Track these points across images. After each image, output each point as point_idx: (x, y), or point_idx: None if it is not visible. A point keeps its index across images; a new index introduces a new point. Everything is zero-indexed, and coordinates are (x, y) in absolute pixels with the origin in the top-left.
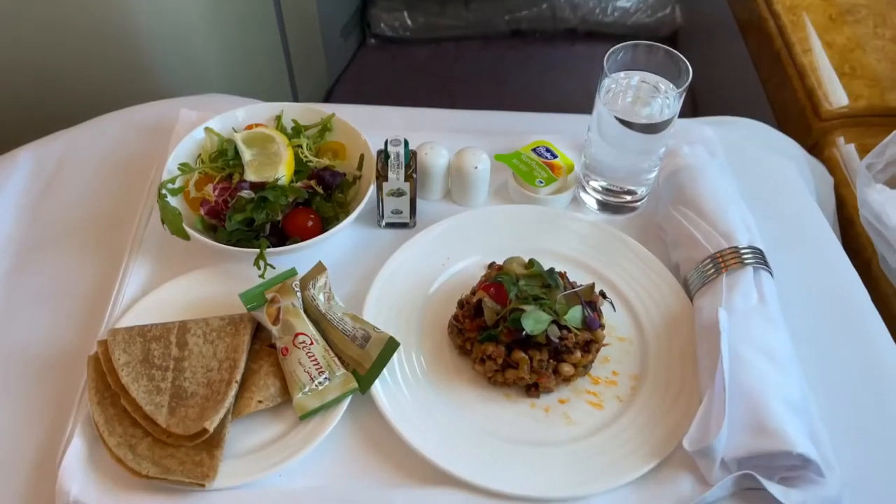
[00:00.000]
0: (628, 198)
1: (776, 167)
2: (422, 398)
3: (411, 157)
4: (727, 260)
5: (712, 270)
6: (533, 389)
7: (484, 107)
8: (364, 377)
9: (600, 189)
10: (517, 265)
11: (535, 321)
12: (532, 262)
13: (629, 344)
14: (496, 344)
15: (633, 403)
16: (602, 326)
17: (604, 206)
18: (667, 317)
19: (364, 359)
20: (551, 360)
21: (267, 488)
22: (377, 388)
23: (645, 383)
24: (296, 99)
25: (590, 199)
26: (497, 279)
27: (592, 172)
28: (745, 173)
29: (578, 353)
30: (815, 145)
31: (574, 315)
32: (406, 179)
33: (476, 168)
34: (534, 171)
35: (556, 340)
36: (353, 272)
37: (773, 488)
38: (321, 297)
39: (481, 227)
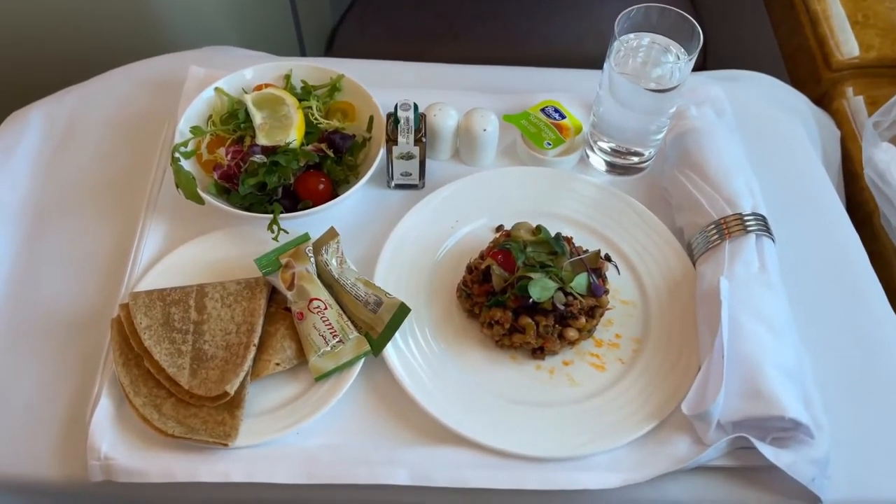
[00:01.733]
0: (635, 159)
1: (784, 126)
2: (432, 361)
3: (421, 120)
4: (731, 227)
5: (716, 236)
6: (538, 352)
7: (491, 49)
8: (376, 340)
9: (608, 150)
10: (525, 231)
11: (541, 288)
12: (539, 229)
13: (632, 307)
14: (503, 309)
15: (635, 366)
16: (606, 292)
17: (611, 167)
18: (669, 281)
19: (376, 323)
20: (556, 326)
21: (285, 446)
22: (389, 350)
23: (646, 346)
24: (299, 38)
25: (597, 161)
26: (505, 246)
27: (601, 132)
28: (753, 133)
29: (583, 319)
30: (825, 96)
31: (579, 282)
32: (416, 143)
33: (485, 130)
34: (542, 132)
35: (562, 307)
36: (364, 234)
37: (765, 449)
38: (334, 261)
39: (489, 190)
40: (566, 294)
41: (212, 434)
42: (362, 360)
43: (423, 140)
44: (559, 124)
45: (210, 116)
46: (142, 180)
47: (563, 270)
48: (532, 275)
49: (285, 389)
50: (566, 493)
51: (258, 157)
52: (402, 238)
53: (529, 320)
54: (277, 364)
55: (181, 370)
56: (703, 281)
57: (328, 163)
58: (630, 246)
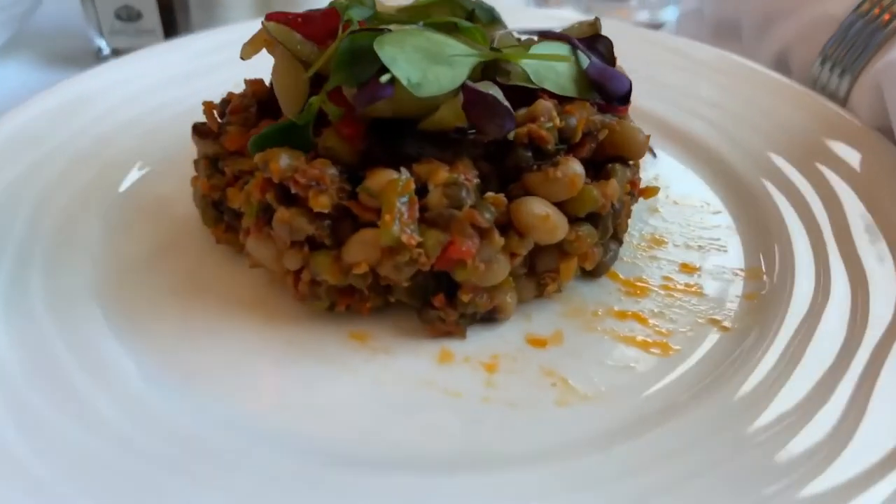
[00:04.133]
0: None
1: None
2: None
3: None
4: None
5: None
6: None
7: None
8: None
9: None
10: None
11: (424, 59)
12: None
13: (722, 213)
14: (307, 159)
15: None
16: (626, 103)
17: None
18: (801, 148)
19: None
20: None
21: None
22: None
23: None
24: None
25: None
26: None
27: None
28: None
29: (574, 168)
30: None
31: (551, 66)
32: None
33: None
34: None
35: (503, 123)
36: None
37: None
38: None
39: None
40: (513, 90)
41: None
42: None
43: None
44: None
45: None
46: None
47: (499, 42)
48: (388, 29)
49: None
50: None
51: None
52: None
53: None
54: None
55: None
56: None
57: None
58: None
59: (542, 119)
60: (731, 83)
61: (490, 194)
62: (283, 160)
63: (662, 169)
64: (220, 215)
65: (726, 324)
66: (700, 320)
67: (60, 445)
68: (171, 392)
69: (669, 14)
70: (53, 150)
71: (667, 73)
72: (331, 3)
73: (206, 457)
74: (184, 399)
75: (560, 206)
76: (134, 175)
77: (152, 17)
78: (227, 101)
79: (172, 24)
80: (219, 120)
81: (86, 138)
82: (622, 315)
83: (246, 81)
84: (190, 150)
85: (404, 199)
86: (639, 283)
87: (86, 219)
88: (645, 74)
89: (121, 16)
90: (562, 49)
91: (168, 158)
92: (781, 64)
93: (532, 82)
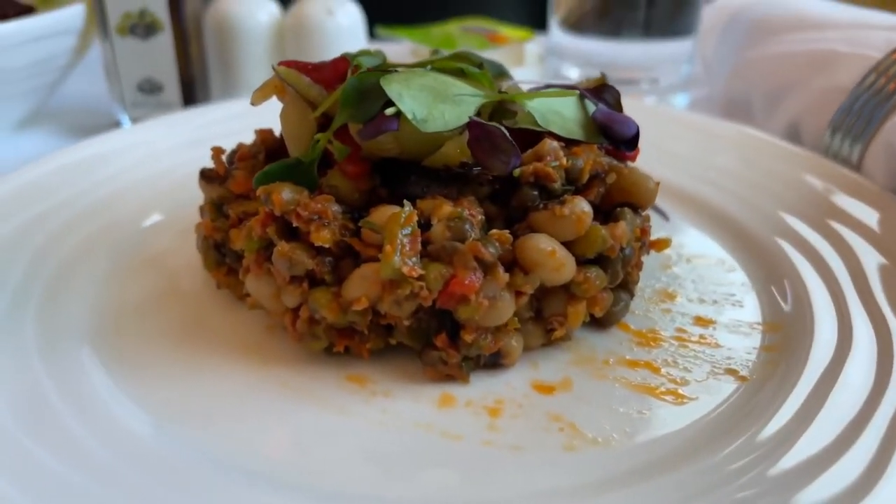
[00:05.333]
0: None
1: None
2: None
3: None
4: None
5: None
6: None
7: None
8: None
9: None
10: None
11: (430, 97)
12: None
13: (732, 269)
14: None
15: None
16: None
17: None
18: (813, 206)
19: None
20: (515, 225)
21: None
22: None
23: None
24: None
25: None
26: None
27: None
28: None
29: (581, 205)
30: None
31: (554, 107)
32: None
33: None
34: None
35: (508, 160)
36: None
37: None
38: None
39: None
40: (521, 135)
41: None
42: None
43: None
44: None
45: None
46: None
47: (506, 89)
48: (394, 71)
49: None
50: None
51: None
52: None
53: (399, 208)
54: None
55: None
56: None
57: None
58: (718, 190)
59: (548, 158)
60: (744, 151)
61: (495, 231)
62: (285, 193)
63: (675, 230)
64: (221, 258)
65: (744, 373)
66: (716, 370)
67: (49, 486)
68: (161, 434)
69: (680, 100)
70: (63, 202)
71: (677, 144)
72: (342, 55)
73: (199, 499)
74: (175, 442)
75: (568, 246)
76: (140, 227)
77: (173, 90)
78: (236, 150)
79: (192, 96)
80: (226, 165)
81: (96, 193)
82: (634, 364)
83: (256, 131)
84: (198, 205)
85: (407, 231)
86: (651, 334)
87: (88, 266)
88: (654, 144)
89: (143, 88)
90: (570, 101)
91: (175, 213)
92: (792, 135)
93: (539, 125)
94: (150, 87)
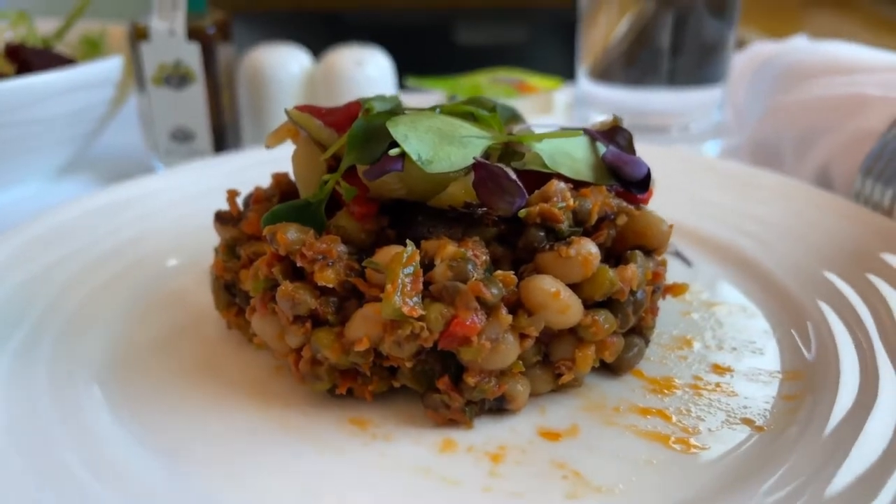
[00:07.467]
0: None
1: None
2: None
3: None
4: None
5: None
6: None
7: None
8: None
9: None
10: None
11: (436, 139)
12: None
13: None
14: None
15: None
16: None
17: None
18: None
19: None
20: (521, 269)
21: None
22: None
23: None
24: None
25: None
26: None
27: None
28: None
29: (588, 247)
30: None
31: (564, 148)
32: (191, 36)
33: (359, 65)
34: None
35: (513, 200)
36: None
37: None
38: None
39: None
40: (528, 177)
41: None
42: None
43: (209, 32)
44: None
45: None
46: None
47: (514, 133)
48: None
49: None
50: None
51: None
52: None
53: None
54: None
55: None
56: None
57: None
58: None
59: (555, 199)
60: (771, 197)
61: (499, 272)
62: (290, 233)
63: (698, 276)
64: (232, 299)
65: (760, 423)
66: (731, 419)
67: None
68: (163, 475)
69: (710, 148)
70: (86, 245)
71: (702, 189)
72: (357, 99)
73: None
74: (175, 482)
75: (574, 288)
76: (163, 267)
77: (204, 138)
78: (252, 193)
79: (223, 144)
80: (240, 208)
81: (119, 236)
82: (645, 412)
83: (272, 174)
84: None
85: (409, 271)
86: (665, 382)
87: (107, 305)
88: (677, 188)
89: (176, 136)
90: (581, 142)
91: (198, 255)
92: (823, 180)
93: (547, 167)
94: (182, 136)
